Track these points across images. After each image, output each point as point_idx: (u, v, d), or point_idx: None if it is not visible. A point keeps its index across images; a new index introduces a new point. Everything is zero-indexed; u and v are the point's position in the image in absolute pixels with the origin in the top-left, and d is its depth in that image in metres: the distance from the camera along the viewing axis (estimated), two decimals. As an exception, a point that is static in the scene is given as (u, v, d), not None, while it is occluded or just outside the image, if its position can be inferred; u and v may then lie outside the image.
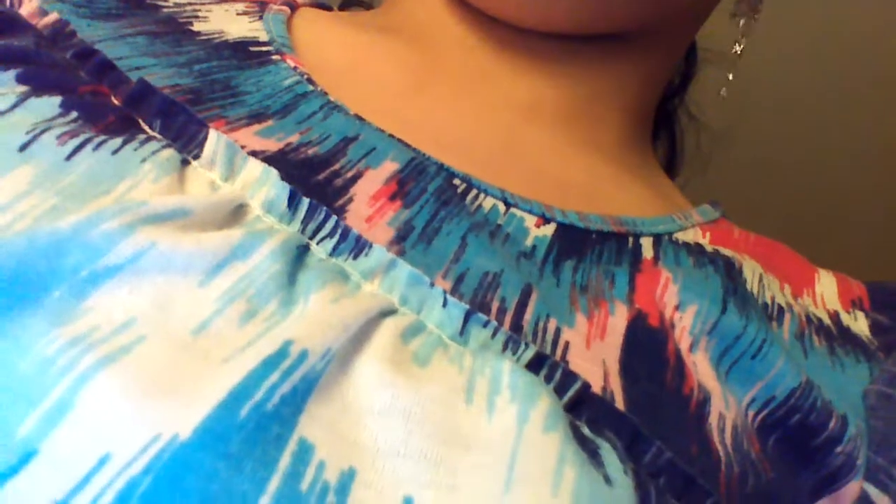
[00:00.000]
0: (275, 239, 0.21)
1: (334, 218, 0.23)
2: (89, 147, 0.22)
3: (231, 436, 0.17)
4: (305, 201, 0.23)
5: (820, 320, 0.32)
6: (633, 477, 0.20)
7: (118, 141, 0.22)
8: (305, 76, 0.30)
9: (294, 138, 0.26)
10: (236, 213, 0.22)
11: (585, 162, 0.33)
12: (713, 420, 0.25)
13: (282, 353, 0.18)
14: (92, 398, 0.17)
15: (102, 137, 0.22)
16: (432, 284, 0.22)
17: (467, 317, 0.21)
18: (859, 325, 0.32)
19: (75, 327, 0.18)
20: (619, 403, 0.23)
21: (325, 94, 0.29)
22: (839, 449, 0.26)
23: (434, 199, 0.27)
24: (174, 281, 0.19)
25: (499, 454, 0.18)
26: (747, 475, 0.25)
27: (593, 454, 0.20)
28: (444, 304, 0.22)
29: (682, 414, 0.25)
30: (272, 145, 0.26)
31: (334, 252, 0.22)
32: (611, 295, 0.27)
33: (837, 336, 0.31)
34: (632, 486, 0.19)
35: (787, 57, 0.89)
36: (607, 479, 0.19)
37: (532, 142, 0.32)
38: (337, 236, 0.22)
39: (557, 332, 0.24)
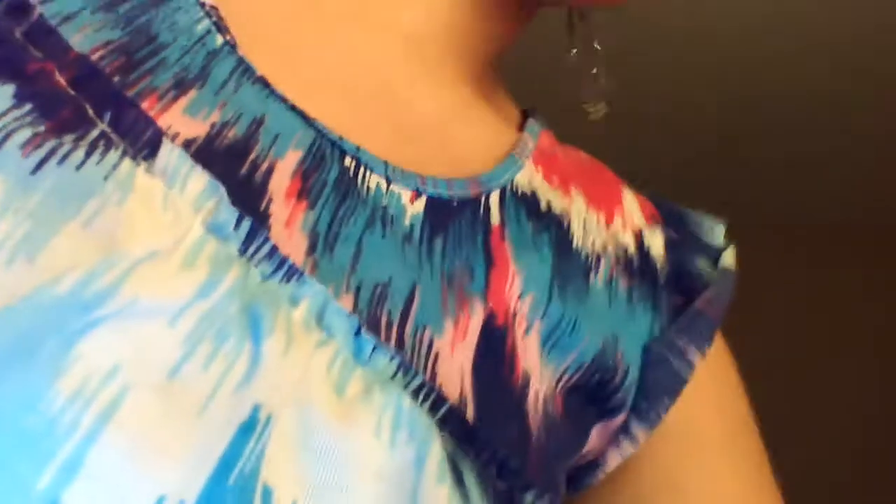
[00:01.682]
0: (230, 277, 0.24)
1: (270, 242, 0.26)
2: (53, 161, 0.23)
3: (224, 499, 0.21)
4: (247, 224, 0.25)
5: (626, 252, 0.39)
6: (493, 498, 0.27)
7: (80, 154, 0.23)
8: (213, 17, 0.30)
9: (216, 116, 0.28)
10: (191, 239, 0.24)
11: (454, 100, 0.37)
12: (531, 398, 0.32)
13: (253, 420, 0.22)
14: (98, 458, 0.20)
15: (66, 148, 0.23)
16: (350, 315, 0.26)
17: (374, 347, 0.26)
18: (657, 242, 0.41)
19: (70, 379, 0.20)
20: (470, 402, 0.29)
21: (232, 46, 0.30)
22: (619, 394, 0.36)
23: (333, 193, 0.30)
24: (148, 324, 0.22)
25: (401, 489, 0.24)
26: (550, 437, 0.33)
27: (460, 482, 0.26)
28: (357, 333, 0.26)
29: (510, 400, 0.31)
30: (200, 129, 0.28)
31: (270, 276, 0.25)
32: (470, 291, 0.32)
33: (638, 271, 0.39)
34: None
35: None
36: None
37: (408, 81, 0.35)
38: (272, 261, 0.26)
39: (430, 342, 0.29)
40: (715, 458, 0.39)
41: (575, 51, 0.42)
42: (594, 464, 0.38)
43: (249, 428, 0.22)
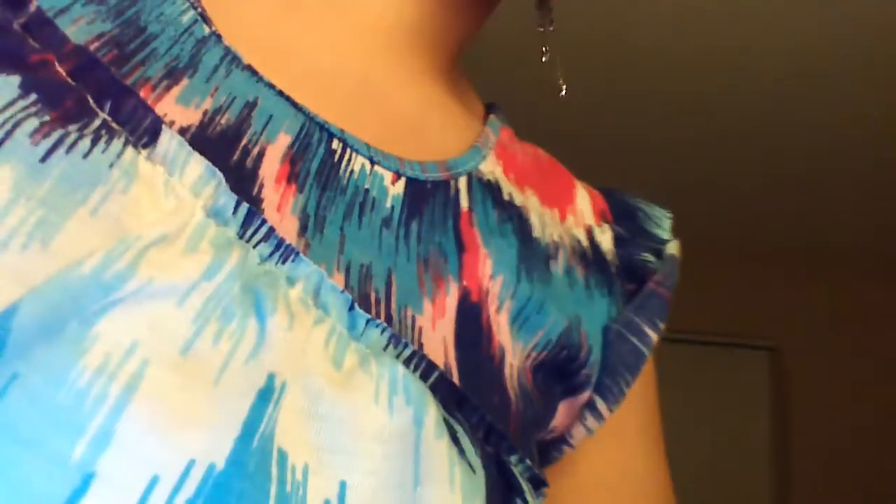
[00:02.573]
0: (231, 259, 0.25)
1: (267, 225, 0.27)
2: (62, 149, 0.24)
3: (248, 460, 0.22)
4: (245, 208, 0.26)
5: (580, 244, 0.42)
6: (482, 457, 0.28)
7: (87, 143, 0.24)
8: (198, 9, 0.31)
9: (208, 104, 0.29)
10: (194, 224, 0.25)
11: (425, 91, 0.38)
12: (507, 370, 0.34)
13: (270, 387, 0.23)
14: (128, 428, 0.20)
15: (72, 137, 0.24)
16: (343, 292, 0.27)
17: (367, 321, 0.27)
18: (606, 238, 0.43)
19: (93, 356, 0.21)
20: (454, 371, 0.31)
21: (218, 36, 0.31)
22: (584, 371, 0.38)
23: (317, 180, 0.31)
24: (160, 304, 0.23)
25: (403, 448, 0.25)
26: (526, 407, 0.35)
27: (455, 439, 0.27)
28: (351, 309, 0.27)
29: (490, 370, 0.33)
30: (193, 116, 0.28)
31: (268, 258, 0.26)
32: (446, 272, 0.34)
33: (592, 262, 0.42)
34: (483, 471, 0.27)
35: None
36: (471, 467, 0.27)
37: (384, 73, 0.37)
38: (269, 243, 0.27)
39: (413, 319, 0.31)
40: (636, 439, 0.42)
41: (552, 28, 0.43)
42: (561, 439, 0.40)
43: (267, 394, 0.23)
